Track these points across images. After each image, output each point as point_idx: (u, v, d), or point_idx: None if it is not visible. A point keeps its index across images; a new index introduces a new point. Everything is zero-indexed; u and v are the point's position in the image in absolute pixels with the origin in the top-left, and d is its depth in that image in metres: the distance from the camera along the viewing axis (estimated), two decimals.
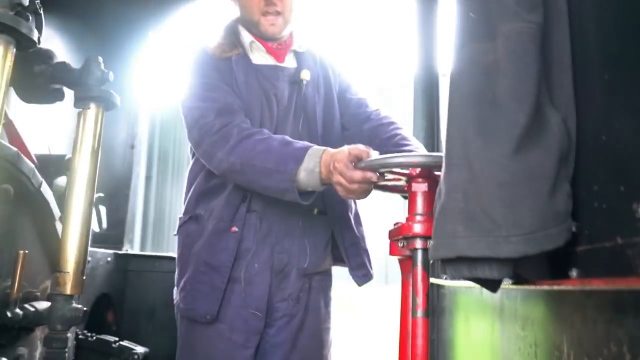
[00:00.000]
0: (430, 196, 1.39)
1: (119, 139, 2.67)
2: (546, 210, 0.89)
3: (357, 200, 1.81)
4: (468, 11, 0.99)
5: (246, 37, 1.75)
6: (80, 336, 2.03)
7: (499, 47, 0.93)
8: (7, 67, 1.18)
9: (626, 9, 0.84)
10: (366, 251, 1.80)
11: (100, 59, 1.60)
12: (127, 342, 2.06)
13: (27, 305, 1.42)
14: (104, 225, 2.08)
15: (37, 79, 1.56)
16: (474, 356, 1.87)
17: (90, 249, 1.62)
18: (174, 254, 2.82)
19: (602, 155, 0.86)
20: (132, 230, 2.73)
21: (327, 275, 1.88)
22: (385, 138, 1.77)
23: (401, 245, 1.42)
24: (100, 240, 2.34)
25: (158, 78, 3.13)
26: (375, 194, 1.57)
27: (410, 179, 1.41)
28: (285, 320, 1.74)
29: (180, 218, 1.80)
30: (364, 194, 1.47)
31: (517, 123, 0.88)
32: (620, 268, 0.77)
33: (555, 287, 0.98)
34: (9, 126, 1.83)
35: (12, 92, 1.56)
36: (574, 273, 0.94)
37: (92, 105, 1.57)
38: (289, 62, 1.81)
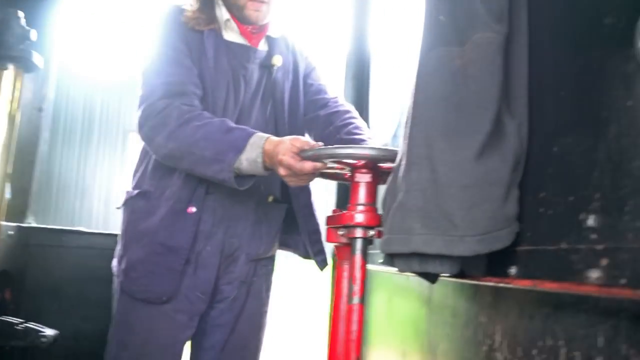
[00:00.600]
0: (372, 187, 1.42)
1: (25, 100, 2.41)
2: (499, 213, 0.95)
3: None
4: (438, 14, 1.01)
5: (223, 13, 1.67)
6: None
7: (467, 53, 0.97)
8: None
9: (580, 27, 0.91)
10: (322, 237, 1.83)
11: (22, 14, 1.43)
12: (34, 323, 1.91)
13: None
14: (8, 195, 1.88)
15: None
16: (396, 336, 1.97)
17: None
18: (83, 228, 2.66)
19: (551, 166, 0.94)
20: (36, 202, 2.50)
21: (272, 260, 1.88)
22: (339, 125, 1.77)
23: (341, 233, 1.44)
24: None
25: (68, 34, 2.86)
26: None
27: (354, 169, 1.43)
28: (227, 303, 1.73)
29: (127, 192, 1.72)
30: (309, 181, 1.49)
31: (482, 129, 0.93)
32: (563, 271, 0.84)
33: (493, 283, 1.06)
34: None
35: None
36: (512, 270, 1.02)
37: (10, 67, 1.41)
38: (261, 45, 1.75)
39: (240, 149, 1.45)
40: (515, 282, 0.96)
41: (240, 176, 1.50)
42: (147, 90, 1.56)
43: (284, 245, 1.90)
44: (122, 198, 1.73)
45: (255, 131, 1.51)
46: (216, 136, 1.48)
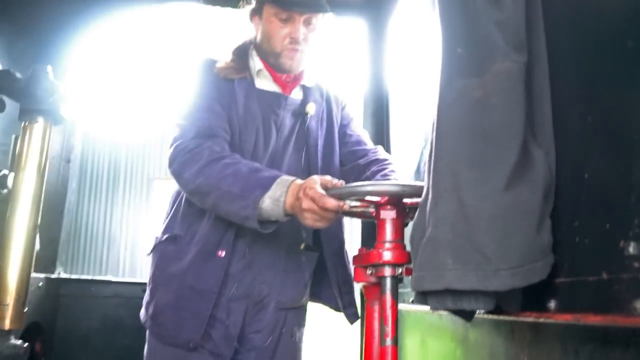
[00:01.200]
0: (398, 223, 1.40)
1: (54, 152, 2.48)
2: (533, 244, 0.92)
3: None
4: (455, 47, 1.01)
5: (256, 63, 1.75)
6: None
7: (488, 83, 0.96)
8: None
9: (601, 53, 0.89)
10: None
11: (50, 68, 1.49)
12: None
13: None
14: (37, 246, 1.90)
15: None
16: None
17: None
18: (111, 277, 2.67)
19: (583, 193, 0.91)
20: (65, 252, 2.53)
21: (303, 310, 1.84)
22: (375, 170, 1.79)
23: (369, 272, 1.41)
24: None
25: (95, 87, 2.96)
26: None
27: (378, 206, 1.41)
28: (255, 353, 1.69)
29: (156, 237, 1.72)
30: (330, 222, 1.46)
31: (509, 159, 0.91)
32: (607, 303, 0.80)
33: (532, 318, 1.01)
34: None
35: None
36: (552, 304, 0.97)
37: (40, 120, 1.45)
38: (295, 94, 1.81)
39: (266, 187, 1.45)
40: (555, 316, 0.92)
41: (263, 221, 1.49)
42: (180, 132, 1.61)
43: (316, 298, 1.86)
44: (151, 244, 1.74)
45: (283, 174, 1.51)
46: (245, 174, 1.49)
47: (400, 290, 1.38)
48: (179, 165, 1.56)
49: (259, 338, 1.69)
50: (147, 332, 1.67)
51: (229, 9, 2.85)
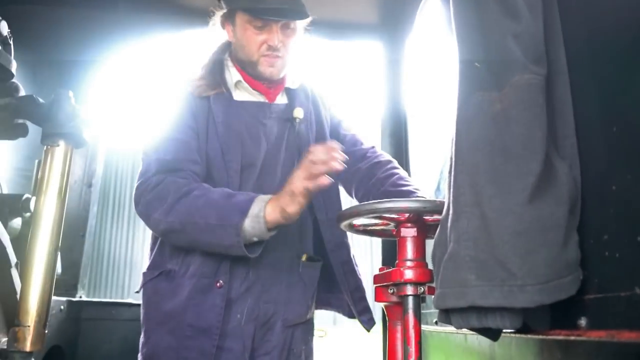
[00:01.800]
0: (419, 241, 1.37)
1: (76, 176, 2.53)
2: (559, 259, 0.89)
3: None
4: (473, 61, 1.01)
5: (234, 75, 1.64)
6: None
7: (506, 96, 0.95)
8: None
9: (623, 62, 0.88)
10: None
11: (71, 93, 1.51)
12: None
13: None
14: (59, 270, 1.92)
15: (0, 113, 1.44)
16: None
17: None
18: (133, 300, 2.67)
19: (611, 205, 0.88)
20: (86, 275, 2.55)
21: (310, 323, 1.76)
22: (382, 177, 1.70)
23: (390, 291, 1.39)
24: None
25: (115, 112, 3.01)
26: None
27: (399, 223, 1.39)
28: None
29: (144, 274, 1.60)
30: (320, 175, 1.38)
31: (531, 172, 0.89)
32: None
33: (562, 337, 0.98)
34: None
35: None
36: (582, 321, 0.93)
37: (61, 143, 1.47)
38: (279, 99, 1.70)
39: (245, 211, 1.39)
40: (587, 334, 0.88)
41: (248, 245, 1.43)
42: (144, 167, 1.54)
43: (327, 305, 1.78)
44: (142, 280, 1.62)
45: (259, 195, 1.45)
46: (219, 203, 1.42)
47: (423, 311, 1.34)
48: (144, 207, 1.47)
49: None
50: None
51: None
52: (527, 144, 0.90)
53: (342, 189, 1.83)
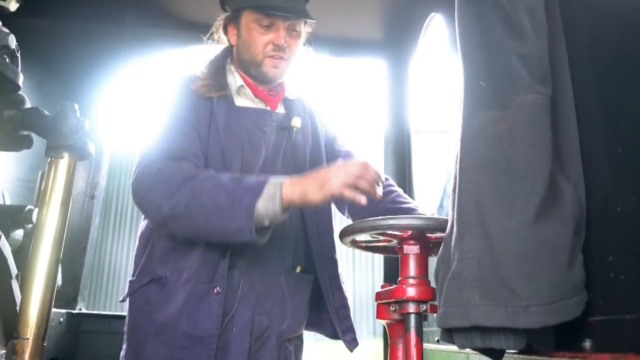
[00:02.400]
0: (422, 259, 1.36)
1: (78, 188, 2.53)
2: (565, 280, 0.88)
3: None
4: (478, 80, 1.01)
5: (236, 80, 1.62)
6: None
7: (511, 116, 0.95)
8: None
9: (628, 83, 0.88)
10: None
11: (76, 106, 1.52)
12: None
13: None
14: (59, 282, 1.91)
15: (6, 125, 1.45)
16: None
17: None
18: None
19: (617, 226, 0.87)
20: (87, 288, 2.54)
21: (301, 339, 1.71)
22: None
23: (393, 309, 1.37)
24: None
25: (120, 126, 3.02)
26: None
27: (401, 240, 1.38)
28: None
29: (131, 281, 1.53)
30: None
31: (536, 192, 0.89)
32: None
33: (567, 359, 0.96)
34: None
35: None
36: (587, 344, 0.92)
37: (65, 155, 1.48)
38: (278, 108, 1.69)
39: (259, 191, 1.32)
40: (592, 356, 0.87)
41: (257, 230, 1.35)
42: (143, 157, 1.46)
43: (310, 325, 1.71)
44: (128, 289, 1.55)
45: (269, 176, 1.40)
46: (230, 184, 1.34)
47: (425, 329, 1.33)
48: (146, 191, 1.38)
49: None
50: None
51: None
52: (532, 163, 0.90)
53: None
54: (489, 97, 0.99)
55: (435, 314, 1.15)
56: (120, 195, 11.76)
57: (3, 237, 1.49)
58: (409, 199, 1.71)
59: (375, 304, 1.46)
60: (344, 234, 1.44)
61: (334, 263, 1.66)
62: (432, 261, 1.22)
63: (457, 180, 1.01)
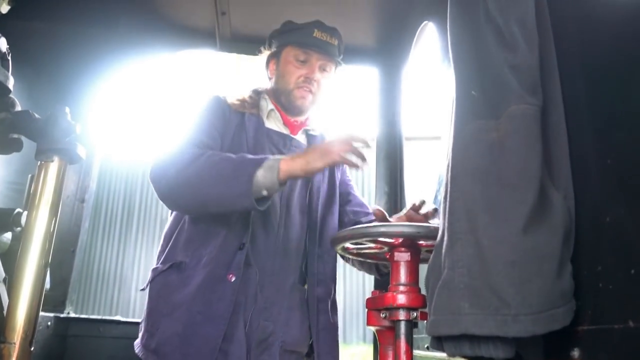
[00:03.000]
0: (413, 266, 1.37)
1: (69, 192, 2.50)
2: (554, 289, 0.89)
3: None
4: (470, 89, 1.02)
5: (269, 104, 1.79)
6: None
7: (503, 125, 0.96)
8: None
9: (618, 95, 0.89)
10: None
11: (67, 109, 1.51)
12: None
13: None
14: (48, 285, 1.89)
15: None
16: None
17: None
18: (120, 317, 2.63)
19: (605, 236, 0.88)
20: (76, 291, 2.51)
21: (301, 357, 1.72)
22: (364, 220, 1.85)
23: (383, 315, 1.38)
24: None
25: (111, 130, 3.01)
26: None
27: (392, 248, 1.39)
28: None
29: (154, 269, 1.64)
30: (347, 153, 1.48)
31: (526, 201, 0.89)
32: (636, 353, 0.77)
33: None
34: None
35: None
36: (575, 353, 0.93)
37: (56, 159, 1.46)
38: (301, 138, 1.84)
39: (259, 163, 1.46)
40: None
41: (257, 200, 1.47)
42: (163, 148, 1.59)
43: None
44: (150, 276, 1.65)
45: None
46: (235, 159, 1.50)
47: (415, 335, 1.33)
48: (160, 168, 1.52)
49: None
50: None
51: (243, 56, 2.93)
52: (523, 173, 0.91)
53: None
54: (480, 106, 1.00)
55: (425, 322, 1.16)
56: (110, 199, 11.67)
57: None
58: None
59: (365, 310, 1.47)
60: (335, 240, 1.45)
61: (326, 286, 1.72)
62: (423, 269, 1.23)
63: (448, 189, 1.01)
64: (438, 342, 1.04)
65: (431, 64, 2.23)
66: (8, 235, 1.84)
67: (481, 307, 0.90)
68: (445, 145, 1.07)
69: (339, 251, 1.49)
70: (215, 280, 1.53)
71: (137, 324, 2.48)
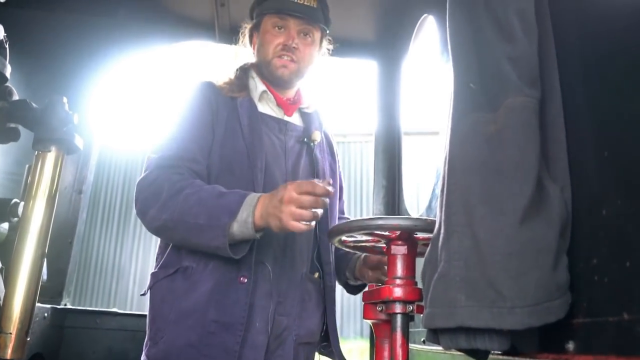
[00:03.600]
0: (409, 259, 1.37)
1: (66, 182, 2.50)
2: (550, 282, 0.89)
3: None
4: (468, 82, 1.01)
5: (259, 85, 1.71)
6: None
7: (500, 117, 0.96)
8: None
9: (616, 88, 0.89)
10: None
11: (65, 99, 1.51)
12: None
13: None
14: (45, 276, 1.89)
15: None
16: None
17: None
18: (117, 309, 2.63)
19: (602, 229, 0.88)
20: (73, 283, 2.51)
21: (314, 347, 1.72)
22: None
23: (379, 309, 1.38)
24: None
25: (109, 119, 2.99)
26: None
27: (389, 241, 1.39)
28: None
29: (154, 273, 1.57)
30: (311, 220, 1.37)
31: (523, 193, 0.89)
32: (630, 345, 0.77)
33: None
34: None
35: None
36: (570, 346, 0.93)
37: (53, 148, 1.46)
38: (295, 119, 1.77)
39: (234, 213, 1.39)
40: (575, 358, 0.88)
41: (234, 244, 1.42)
42: (146, 165, 1.55)
43: None
44: (150, 281, 1.59)
45: (249, 192, 1.44)
46: (209, 202, 1.42)
47: (411, 329, 1.33)
48: (142, 203, 1.47)
49: None
50: None
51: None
52: (520, 165, 0.91)
53: None
54: (478, 99, 0.99)
55: (421, 315, 1.16)
56: (108, 190, 11.67)
57: None
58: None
59: (362, 304, 1.47)
60: (332, 233, 1.44)
61: (334, 275, 1.73)
62: (419, 262, 1.23)
63: (446, 181, 1.01)
64: (434, 335, 1.05)
65: (431, 57, 2.23)
66: (5, 226, 1.84)
67: (477, 300, 0.90)
68: (443, 138, 1.07)
69: (336, 244, 1.49)
70: (226, 284, 1.49)
71: (134, 315, 2.50)
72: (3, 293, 1.43)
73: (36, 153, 1.48)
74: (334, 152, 1.86)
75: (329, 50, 1.82)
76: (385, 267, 1.41)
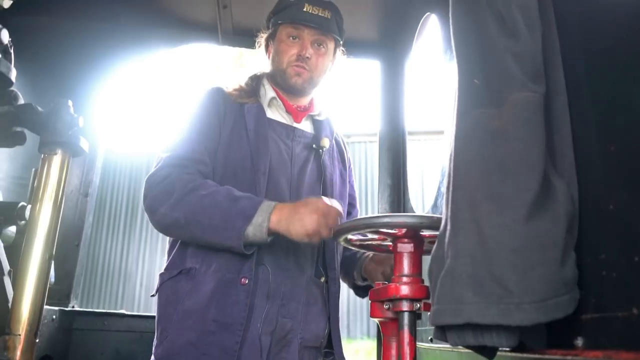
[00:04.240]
0: (416, 257, 1.37)
1: (72, 186, 2.51)
2: (557, 277, 0.88)
3: None
4: (472, 78, 1.01)
5: (269, 92, 1.75)
6: None
7: (505, 113, 0.95)
8: None
9: (621, 82, 0.88)
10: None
11: (70, 102, 1.52)
12: None
13: None
14: (52, 279, 1.90)
15: None
16: None
17: None
18: (125, 311, 2.64)
19: (609, 224, 0.88)
20: (80, 285, 2.52)
21: (320, 351, 1.72)
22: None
23: (386, 307, 1.38)
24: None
25: (114, 122, 3.00)
26: None
27: (395, 239, 1.39)
28: None
29: (162, 274, 1.61)
30: (327, 232, 1.45)
31: (529, 189, 0.89)
32: (639, 340, 0.76)
33: (559, 356, 0.97)
34: None
35: None
36: (579, 342, 0.93)
37: (59, 151, 1.47)
38: (305, 125, 1.80)
39: (249, 218, 1.44)
40: (584, 354, 0.87)
41: (245, 245, 1.47)
42: (156, 162, 1.59)
43: None
44: (157, 283, 1.63)
45: (263, 199, 1.50)
46: (224, 204, 1.47)
47: (418, 328, 1.33)
48: (152, 199, 1.50)
49: None
50: None
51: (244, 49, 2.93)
52: (525, 161, 0.91)
53: None
54: (482, 94, 0.99)
55: (428, 313, 1.15)
56: (114, 193, 11.71)
57: None
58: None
59: (369, 302, 1.47)
60: (338, 232, 1.45)
61: (338, 280, 1.74)
62: (426, 260, 1.22)
63: (451, 178, 1.01)
64: (441, 332, 1.04)
65: (434, 56, 2.22)
66: (12, 229, 1.85)
67: (484, 296, 0.90)
68: (448, 136, 1.06)
69: (342, 242, 1.49)
70: (227, 285, 1.52)
71: (142, 317, 2.51)
72: (12, 295, 1.44)
73: (42, 156, 1.49)
74: (345, 159, 1.88)
75: (342, 57, 1.85)
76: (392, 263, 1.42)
